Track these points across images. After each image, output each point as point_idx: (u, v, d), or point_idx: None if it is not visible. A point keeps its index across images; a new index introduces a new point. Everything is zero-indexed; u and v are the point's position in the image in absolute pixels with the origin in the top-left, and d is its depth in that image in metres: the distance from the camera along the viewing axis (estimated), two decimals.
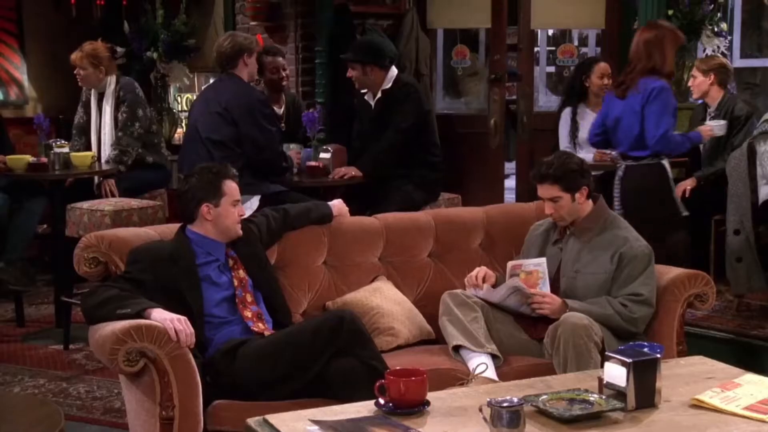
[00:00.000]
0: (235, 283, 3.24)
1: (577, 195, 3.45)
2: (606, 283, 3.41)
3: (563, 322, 3.21)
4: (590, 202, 3.50)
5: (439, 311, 3.44)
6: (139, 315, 2.92)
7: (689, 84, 5.54)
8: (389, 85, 4.99)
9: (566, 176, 3.43)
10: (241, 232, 3.31)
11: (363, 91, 5.13)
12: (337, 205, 3.76)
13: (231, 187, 3.28)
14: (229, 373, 3.01)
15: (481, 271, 3.49)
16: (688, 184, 5.13)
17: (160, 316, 2.91)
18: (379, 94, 5.02)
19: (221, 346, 3.08)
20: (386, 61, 5.00)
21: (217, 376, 3.01)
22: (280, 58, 5.54)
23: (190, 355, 2.90)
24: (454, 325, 3.35)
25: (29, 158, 5.17)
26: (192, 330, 2.92)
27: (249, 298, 3.24)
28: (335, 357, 2.98)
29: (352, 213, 4.01)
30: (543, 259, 3.48)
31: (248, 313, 3.20)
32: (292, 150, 5.13)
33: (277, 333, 3.15)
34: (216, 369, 3.02)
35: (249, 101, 4.64)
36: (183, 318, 2.93)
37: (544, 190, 3.46)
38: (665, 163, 4.44)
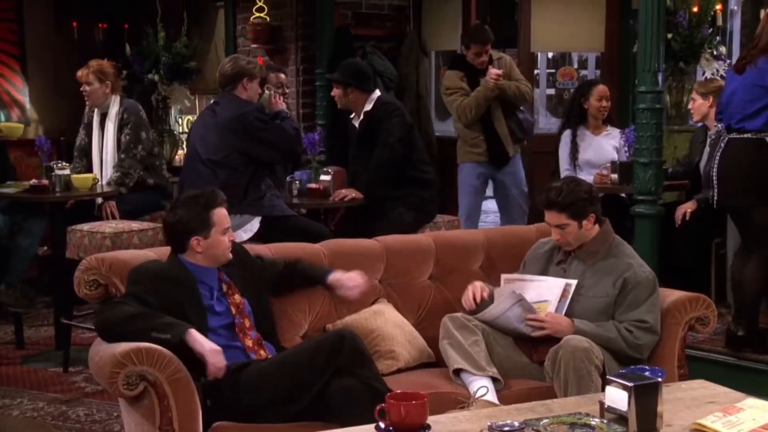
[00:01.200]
0: (233, 310, 3.20)
1: (584, 222, 3.44)
2: (607, 308, 3.40)
3: (563, 345, 3.20)
4: (597, 226, 3.50)
5: (439, 334, 3.43)
6: (180, 341, 2.91)
7: (689, 107, 5.56)
8: (371, 106, 5.05)
9: (574, 204, 3.41)
10: (231, 256, 3.24)
11: (351, 115, 5.19)
12: (340, 278, 3.45)
13: (220, 215, 3.19)
14: (230, 395, 2.99)
15: (474, 288, 3.48)
16: (688, 207, 5.14)
17: (205, 348, 2.93)
18: (362, 116, 5.08)
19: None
20: (368, 85, 5.09)
21: (219, 399, 2.99)
22: (283, 75, 5.66)
23: (190, 379, 2.89)
24: (454, 348, 3.34)
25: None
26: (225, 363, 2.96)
27: (248, 324, 3.21)
28: (335, 377, 2.96)
29: (353, 235, 4.01)
30: (547, 301, 3.46)
31: (249, 342, 3.17)
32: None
33: (278, 354, 3.13)
34: (217, 392, 3.00)
35: (246, 110, 4.65)
36: (220, 350, 2.95)
37: (552, 217, 3.46)
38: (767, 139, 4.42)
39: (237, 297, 3.23)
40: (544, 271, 3.58)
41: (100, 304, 3.29)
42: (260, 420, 2.95)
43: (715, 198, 4.50)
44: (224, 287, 3.23)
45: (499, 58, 5.92)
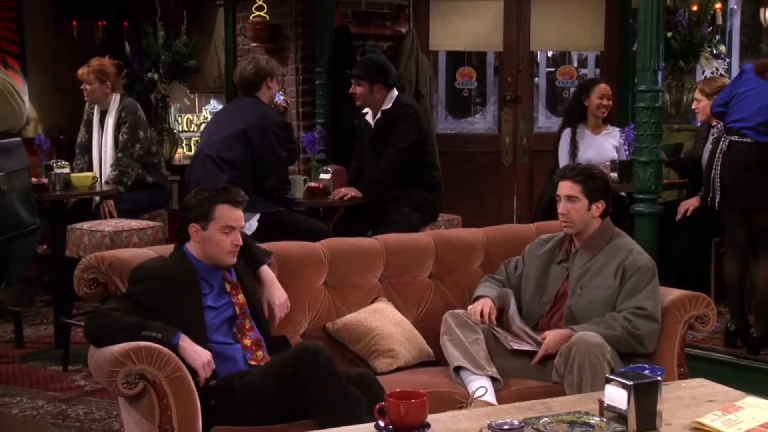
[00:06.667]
0: (237, 309, 3.17)
1: (593, 206, 3.47)
2: (611, 299, 3.40)
3: (577, 342, 3.18)
4: (600, 220, 3.52)
5: (440, 330, 3.43)
6: (171, 345, 2.88)
7: (693, 107, 5.54)
8: (389, 105, 5.03)
9: (589, 181, 3.48)
10: (233, 261, 3.17)
11: (364, 111, 5.16)
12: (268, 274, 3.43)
13: (224, 212, 3.12)
14: (224, 401, 2.97)
15: (486, 306, 3.48)
16: (692, 204, 5.11)
17: (197, 362, 2.90)
18: (378, 114, 5.05)
19: (221, 382, 3.02)
20: (391, 79, 5.07)
21: (216, 404, 2.98)
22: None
23: (190, 378, 2.89)
24: (455, 345, 3.34)
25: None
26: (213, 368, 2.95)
27: (248, 325, 3.18)
28: (306, 390, 2.87)
29: (353, 234, 4.00)
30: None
31: (247, 342, 3.15)
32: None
33: (261, 366, 3.07)
34: (214, 396, 2.99)
35: (267, 123, 4.67)
36: (210, 358, 2.93)
37: (566, 187, 3.50)
38: None
39: (241, 297, 3.20)
40: (545, 271, 3.58)
41: (94, 309, 3.26)
42: (258, 423, 2.93)
43: (717, 200, 4.49)
44: (227, 287, 3.19)
45: None
